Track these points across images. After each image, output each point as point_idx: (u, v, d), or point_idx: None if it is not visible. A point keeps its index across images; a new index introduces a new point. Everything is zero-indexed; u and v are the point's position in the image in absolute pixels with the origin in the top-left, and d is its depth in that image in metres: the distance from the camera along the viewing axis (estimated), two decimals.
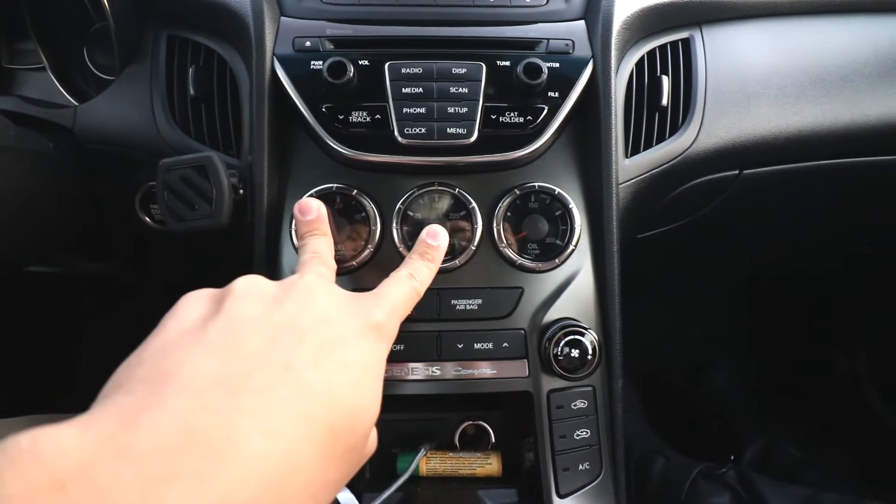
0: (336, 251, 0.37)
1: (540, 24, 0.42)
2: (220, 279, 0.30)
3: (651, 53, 0.49)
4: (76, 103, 0.52)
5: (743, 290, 1.12)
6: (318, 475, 0.22)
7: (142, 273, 0.71)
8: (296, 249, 0.37)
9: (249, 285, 0.26)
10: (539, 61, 0.39)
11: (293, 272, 0.30)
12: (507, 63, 0.40)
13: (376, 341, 0.27)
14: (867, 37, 0.56)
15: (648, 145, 0.48)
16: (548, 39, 0.41)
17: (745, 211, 0.65)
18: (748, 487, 0.55)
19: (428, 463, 0.43)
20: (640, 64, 0.49)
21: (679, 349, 1.12)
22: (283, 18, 0.42)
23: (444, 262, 0.40)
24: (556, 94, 0.40)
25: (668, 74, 0.49)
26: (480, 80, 0.39)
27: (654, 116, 0.48)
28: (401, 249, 0.40)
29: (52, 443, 0.17)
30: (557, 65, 0.40)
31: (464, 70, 0.39)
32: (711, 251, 0.86)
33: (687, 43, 0.51)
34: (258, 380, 0.21)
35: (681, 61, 0.50)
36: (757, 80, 0.53)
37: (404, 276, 0.32)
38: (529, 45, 0.41)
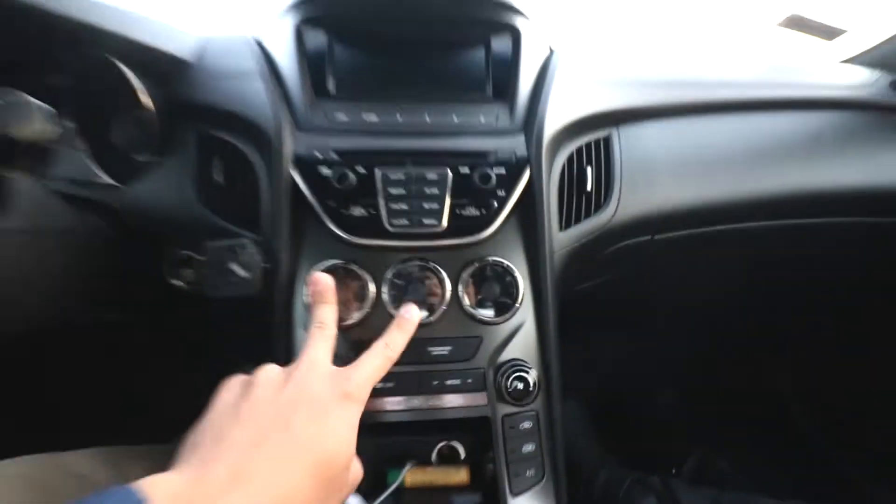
0: (340, 311, 0.49)
1: (491, 138, 0.56)
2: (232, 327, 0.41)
3: (579, 149, 0.62)
4: (110, 180, 0.63)
5: (686, 323, 1.27)
6: (311, 495, 0.34)
7: (160, 321, 0.81)
8: (306, 308, 0.49)
9: (266, 376, 0.38)
10: (489, 170, 0.52)
11: (304, 323, 0.42)
12: (467, 170, 0.53)
13: (348, 406, 0.38)
14: (742, 129, 0.70)
15: (578, 220, 0.60)
16: (496, 150, 0.54)
17: (663, 266, 0.80)
18: (668, 490, 0.68)
19: (411, 476, 0.53)
20: (570, 158, 0.61)
21: (627, 376, 1.25)
22: (298, 133, 0.54)
23: (421, 319, 0.52)
24: (503, 193, 0.53)
25: (591, 165, 0.62)
26: (447, 184, 0.52)
27: (581, 198, 0.61)
28: (389, 308, 0.52)
29: (164, 487, 0.30)
30: (503, 170, 0.53)
31: (435, 176, 0.52)
32: (648, 296, 1.00)
33: (607, 140, 0.64)
34: (271, 438, 0.34)
35: (602, 154, 0.63)
36: (661, 166, 0.66)
37: (381, 347, 0.43)
38: (482, 154, 0.54)
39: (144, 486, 0.29)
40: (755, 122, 0.72)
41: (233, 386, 0.39)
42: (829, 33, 0.94)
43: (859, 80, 0.79)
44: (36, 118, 0.32)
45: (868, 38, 0.83)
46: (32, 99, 0.33)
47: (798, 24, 0.94)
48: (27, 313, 0.51)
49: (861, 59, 0.84)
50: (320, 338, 0.42)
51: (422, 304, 0.53)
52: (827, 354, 1.14)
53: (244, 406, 0.36)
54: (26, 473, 0.44)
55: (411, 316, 0.47)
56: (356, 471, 0.40)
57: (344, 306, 0.52)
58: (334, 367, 0.41)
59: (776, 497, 0.68)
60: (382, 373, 0.43)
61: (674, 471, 0.99)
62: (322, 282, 0.46)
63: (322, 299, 0.45)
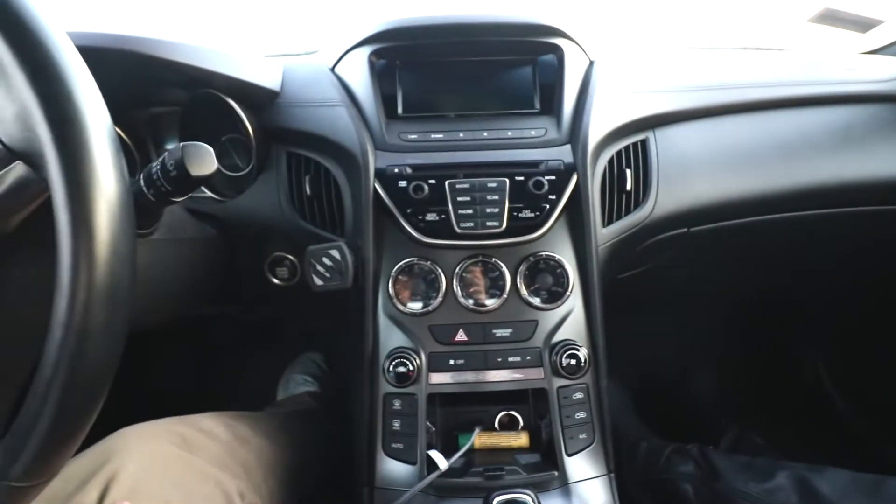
0: (418, 301, 0.59)
1: (542, 149, 0.64)
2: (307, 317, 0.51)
3: (619, 152, 0.69)
4: (215, 196, 0.74)
5: (723, 308, 1.30)
6: None
7: (250, 313, 0.95)
8: (389, 297, 0.59)
9: None
10: (541, 178, 0.61)
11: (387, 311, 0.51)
12: (522, 178, 0.61)
13: None
14: (771, 127, 0.75)
15: (619, 217, 0.68)
16: (547, 160, 0.63)
17: (700, 255, 0.86)
18: (705, 458, 0.75)
19: (479, 439, 0.62)
20: (611, 161, 0.68)
21: (668, 357, 1.31)
22: (377, 151, 0.64)
23: (486, 305, 0.62)
24: (554, 197, 0.61)
25: (630, 167, 0.69)
26: (505, 190, 0.61)
27: (622, 196, 0.68)
28: (459, 297, 0.62)
29: None
30: (554, 177, 0.61)
31: (495, 184, 0.61)
32: (686, 283, 1.06)
33: (644, 143, 0.70)
34: None
35: (640, 156, 0.69)
36: (695, 164, 0.72)
37: None
38: (535, 164, 0.62)
39: None
40: (784, 119, 0.77)
41: None
42: (864, 25, 0.96)
43: (890, 71, 0.81)
44: (210, 161, 0.43)
45: None
46: (208, 146, 0.43)
47: (831, 17, 0.97)
48: (170, 306, 0.63)
49: (893, 49, 0.87)
50: None
51: (485, 293, 0.62)
52: (861, 337, 1.17)
53: None
54: (170, 429, 0.56)
55: None
56: None
57: (421, 297, 0.62)
58: None
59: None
60: None
61: (710, 446, 1.05)
62: None
63: None
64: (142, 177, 0.45)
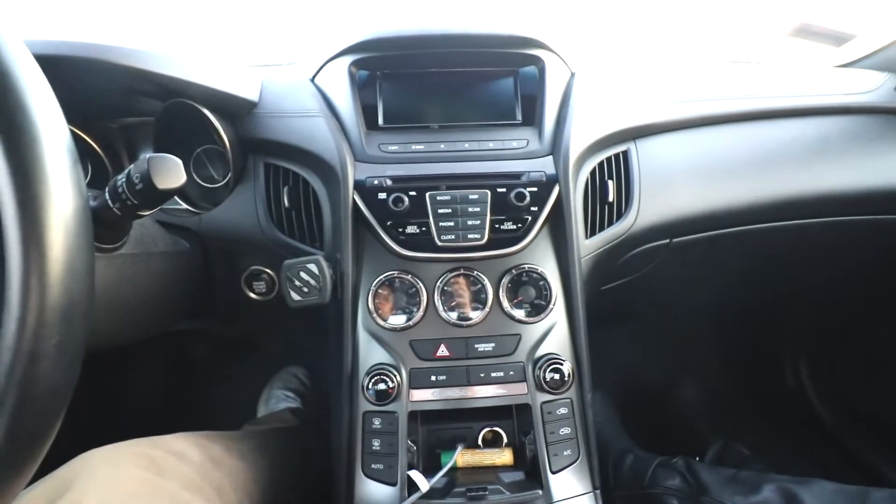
0: (399, 315, 0.58)
1: (523, 160, 0.64)
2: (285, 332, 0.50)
3: (601, 163, 0.69)
4: (189, 208, 0.72)
5: (706, 318, 1.31)
6: None
7: (228, 328, 0.92)
8: (368, 312, 0.58)
9: None
10: (523, 189, 0.60)
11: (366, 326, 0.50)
12: (504, 190, 0.60)
13: None
14: (750, 138, 0.76)
15: (602, 228, 0.67)
16: (529, 171, 0.62)
17: (682, 266, 0.87)
18: (692, 471, 0.74)
19: (462, 457, 0.60)
20: (593, 172, 0.68)
21: (653, 367, 1.31)
22: (357, 163, 0.63)
23: (468, 318, 0.61)
24: (536, 208, 0.61)
25: (612, 178, 0.69)
26: (487, 202, 0.60)
27: (604, 208, 0.68)
28: (441, 312, 0.60)
29: None
30: (535, 189, 0.61)
31: (476, 196, 0.60)
32: (669, 294, 1.06)
33: (626, 154, 0.70)
34: None
35: (622, 167, 0.69)
36: (676, 176, 0.72)
37: None
38: (517, 176, 0.62)
39: None
40: (763, 130, 0.78)
41: None
42: (838, 39, 0.98)
43: (865, 85, 0.83)
44: (178, 174, 0.41)
45: (874, 40, 0.87)
46: (175, 158, 0.41)
47: (807, 32, 0.99)
48: (142, 322, 0.60)
49: (866, 63, 0.89)
50: None
51: (467, 307, 0.61)
52: (844, 346, 1.18)
53: None
54: (138, 451, 0.53)
55: None
56: None
57: (402, 311, 0.60)
58: None
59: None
60: None
61: (696, 458, 1.04)
62: None
63: None
64: (107, 190, 0.43)
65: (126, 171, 0.41)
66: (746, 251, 0.87)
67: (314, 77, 0.71)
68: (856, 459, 1.05)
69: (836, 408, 1.16)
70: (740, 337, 1.30)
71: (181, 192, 0.72)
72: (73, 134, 0.72)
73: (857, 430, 1.10)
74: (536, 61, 0.69)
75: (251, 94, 0.68)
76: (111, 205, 0.43)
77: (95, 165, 0.74)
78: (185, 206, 0.72)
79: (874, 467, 1.02)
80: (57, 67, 0.58)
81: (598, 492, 0.60)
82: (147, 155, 0.41)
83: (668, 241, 0.75)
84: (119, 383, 1.02)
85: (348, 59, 0.68)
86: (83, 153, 0.73)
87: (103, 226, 0.45)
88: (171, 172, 0.40)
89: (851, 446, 1.08)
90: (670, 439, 1.10)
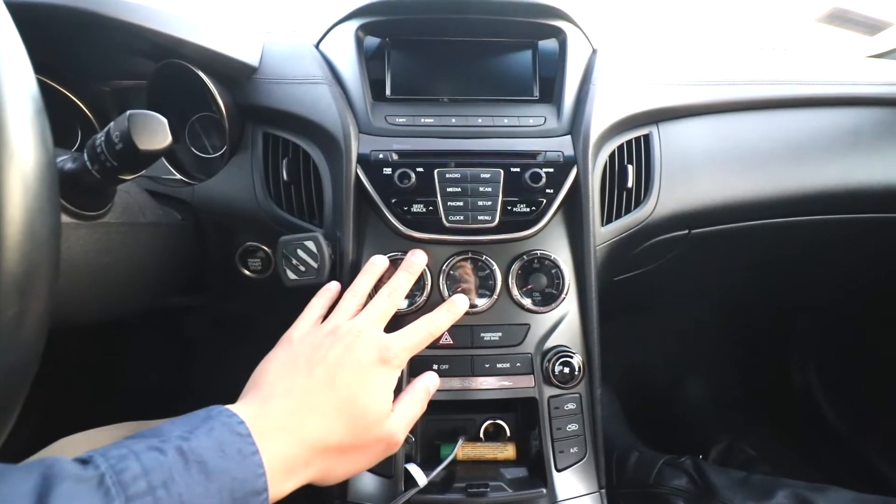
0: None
1: (540, 139, 0.60)
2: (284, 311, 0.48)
3: (620, 146, 0.65)
4: (183, 178, 0.68)
5: (715, 314, 1.28)
6: (346, 440, 0.41)
7: (224, 305, 0.88)
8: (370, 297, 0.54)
9: (320, 334, 0.46)
10: (539, 170, 0.56)
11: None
12: (518, 170, 0.56)
13: (386, 370, 0.44)
14: (777, 126, 0.72)
15: (619, 216, 0.63)
16: (545, 151, 0.58)
17: (697, 259, 0.83)
18: (700, 472, 0.71)
19: (463, 450, 0.58)
20: (612, 155, 0.64)
21: (658, 366, 1.28)
22: (361, 135, 0.59)
23: (474, 306, 0.57)
24: (552, 191, 0.57)
25: (632, 163, 0.65)
26: (500, 182, 0.56)
27: (622, 194, 0.64)
28: (445, 297, 0.57)
29: (240, 414, 0.36)
30: (552, 170, 0.57)
31: (488, 175, 0.56)
32: (680, 287, 1.03)
33: (647, 137, 0.66)
34: (318, 392, 0.41)
35: (643, 152, 0.65)
36: (699, 163, 0.68)
37: (424, 323, 0.48)
38: (532, 155, 0.58)
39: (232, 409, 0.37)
40: (793, 119, 0.73)
41: (293, 338, 0.46)
42: (873, 28, 0.93)
43: None
44: (163, 134, 0.37)
45: None
46: (159, 116, 0.37)
47: (840, 18, 0.94)
48: (128, 296, 0.57)
49: None
50: (350, 298, 0.50)
51: (474, 293, 0.57)
52: (853, 346, 1.15)
53: (300, 360, 0.43)
54: (117, 436, 0.50)
55: (460, 302, 0.52)
56: (395, 430, 0.45)
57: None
58: (378, 333, 0.46)
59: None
60: (422, 346, 0.48)
61: (700, 456, 1.02)
62: (372, 260, 0.53)
63: (364, 271, 0.52)
64: (85, 150, 0.39)
65: (105, 129, 0.37)
66: (765, 247, 0.84)
67: (319, 43, 0.67)
68: (861, 459, 1.03)
69: (844, 409, 1.14)
70: (748, 335, 1.27)
71: (174, 160, 0.70)
72: (63, 96, 0.69)
73: (864, 432, 1.07)
74: (558, 33, 0.64)
75: (251, 59, 0.63)
76: (90, 167, 0.39)
77: (86, 131, 0.70)
78: (177, 175, 0.68)
79: (877, 469, 1.00)
80: (42, 19, 0.54)
81: (603, 491, 0.57)
82: (128, 112, 0.37)
83: (686, 231, 0.71)
84: (114, 360, 0.99)
85: (355, 23, 0.63)
86: (73, 117, 0.69)
87: (82, 190, 0.42)
88: (155, 132, 0.36)
89: (857, 447, 1.06)
90: (674, 436, 1.08)
